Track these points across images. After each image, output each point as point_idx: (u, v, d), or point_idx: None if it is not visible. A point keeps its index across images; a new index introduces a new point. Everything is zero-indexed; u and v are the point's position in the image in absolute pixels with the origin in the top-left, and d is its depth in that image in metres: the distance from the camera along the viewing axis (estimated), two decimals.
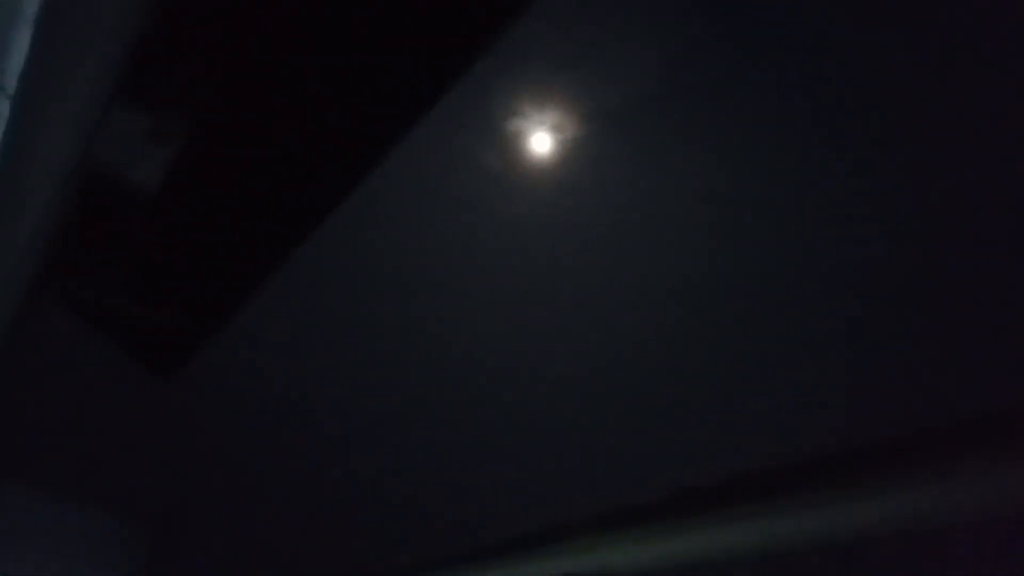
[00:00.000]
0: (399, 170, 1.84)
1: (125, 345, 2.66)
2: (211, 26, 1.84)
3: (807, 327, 1.50)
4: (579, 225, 1.70)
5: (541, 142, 1.62)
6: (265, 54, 1.87)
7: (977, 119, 1.21)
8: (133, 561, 3.21)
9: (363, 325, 2.22)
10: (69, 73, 1.58)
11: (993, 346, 1.32)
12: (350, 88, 1.85)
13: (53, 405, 2.89)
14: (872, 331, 1.42)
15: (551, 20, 1.48)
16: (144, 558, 3.22)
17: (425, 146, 1.77)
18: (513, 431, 2.04)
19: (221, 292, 2.42)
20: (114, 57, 1.63)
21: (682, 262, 1.61)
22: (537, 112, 1.58)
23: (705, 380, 1.66)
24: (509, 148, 1.67)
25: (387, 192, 1.88)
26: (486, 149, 1.69)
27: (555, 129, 1.59)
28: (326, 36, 1.78)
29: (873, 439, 1.49)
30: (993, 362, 1.33)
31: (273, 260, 2.24)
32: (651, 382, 1.74)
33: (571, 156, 1.60)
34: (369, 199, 1.92)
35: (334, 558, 2.80)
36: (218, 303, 2.44)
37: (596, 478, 1.93)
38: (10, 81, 1.46)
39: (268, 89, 1.95)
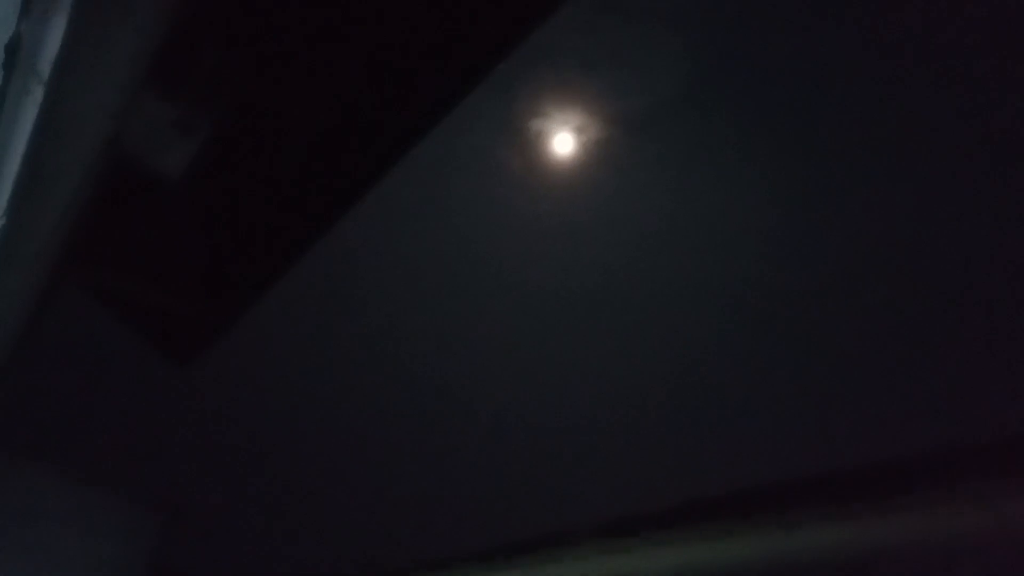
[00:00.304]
0: (421, 165, 1.85)
1: (143, 331, 2.69)
2: (239, 20, 1.86)
3: (822, 342, 1.50)
4: (597, 228, 1.70)
5: (564, 143, 1.63)
6: (290, 49, 1.88)
7: (1000, 144, 1.21)
8: (141, 545, 3.24)
9: (380, 319, 2.23)
10: (101, 62, 1.60)
11: (1006, 369, 1.32)
12: (375, 82, 1.87)
13: (69, 388, 2.93)
14: (887, 351, 1.42)
15: (578, 22, 1.49)
16: (152, 543, 3.25)
17: (447, 143, 1.78)
18: (525, 435, 2.05)
19: (241, 281, 2.44)
20: (145, 47, 1.66)
21: (699, 271, 1.62)
22: (560, 113, 1.60)
23: (719, 391, 1.66)
24: (531, 148, 1.68)
25: (408, 186, 1.90)
26: (508, 148, 1.70)
27: (578, 131, 1.60)
28: (351, 31, 1.79)
29: (881, 458, 1.49)
30: (1005, 385, 1.33)
31: (292, 252, 2.26)
32: (665, 390, 1.75)
33: (593, 158, 1.61)
34: (390, 194, 1.93)
35: (340, 551, 2.82)
36: (237, 292, 2.46)
37: (606, 486, 1.94)
38: (44, 68, 1.49)
39: (292, 83, 1.97)
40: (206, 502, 3.20)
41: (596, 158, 1.60)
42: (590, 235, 1.71)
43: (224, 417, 2.83)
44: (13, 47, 1.48)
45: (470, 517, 2.30)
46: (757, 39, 1.36)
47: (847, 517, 1.55)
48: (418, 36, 1.73)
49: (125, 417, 2.97)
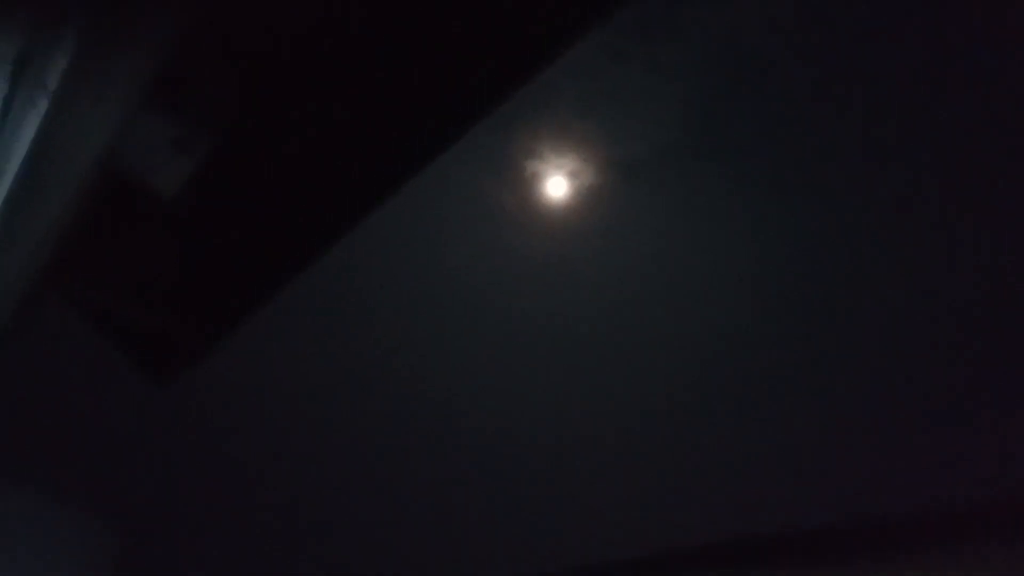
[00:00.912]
0: (416, 198, 1.87)
1: (124, 349, 2.67)
2: (243, 46, 1.89)
3: (813, 392, 1.51)
4: (586, 270, 1.73)
5: (557, 186, 1.66)
6: (291, 81, 1.91)
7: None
8: (104, 563, 3.18)
9: (365, 352, 2.23)
10: (107, 78, 1.62)
11: (999, 432, 1.33)
12: (374, 114, 1.90)
13: (45, 402, 2.89)
14: (880, 406, 1.43)
15: (578, 70, 1.53)
16: (119, 562, 3.19)
17: (444, 178, 1.81)
18: (508, 474, 2.04)
19: (225, 304, 2.44)
20: (150, 67, 1.68)
21: (687, 316, 1.64)
22: (556, 156, 1.63)
23: (707, 438, 1.67)
24: (525, 189, 1.71)
25: (403, 218, 1.92)
26: (503, 187, 1.73)
27: (572, 175, 1.63)
28: (354, 67, 1.82)
29: (859, 518, 1.49)
30: (997, 448, 1.34)
31: (281, 278, 2.27)
32: (652, 434, 1.76)
33: (585, 202, 1.64)
34: (384, 224, 1.95)
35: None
36: (221, 314, 2.46)
37: (588, 531, 1.93)
38: (52, 80, 1.51)
39: (291, 114, 1.99)
40: (176, 522, 3.15)
41: (588, 201, 1.64)
42: (579, 276, 1.73)
43: (200, 438, 2.80)
44: (23, 59, 1.50)
45: (446, 558, 2.28)
46: (751, 91, 1.41)
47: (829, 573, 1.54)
48: (419, 72, 1.76)
49: (99, 433, 2.93)
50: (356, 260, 2.09)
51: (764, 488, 1.63)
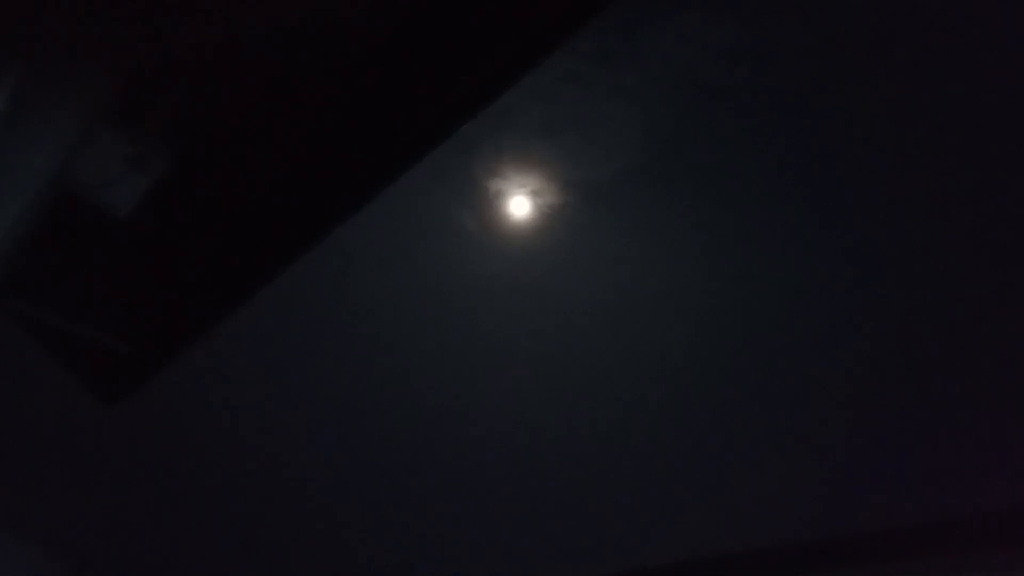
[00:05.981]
0: (374, 219, 1.87)
1: (72, 368, 2.60)
2: (199, 70, 1.88)
3: (790, 412, 1.53)
4: (551, 291, 1.74)
5: (520, 205, 1.68)
6: (250, 99, 1.90)
7: (975, 203, 1.28)
8: None
9: (325, 375, 2.21)
10: (59, 92, 1.60)
11: (989, 443, 1.35)
12: (335, 133, 1.90)
13: None
14: (862, 420, 1.45)
15: (540, 93, 1.55)
16: None
17: (402, 198, 1.81)
18: (481, 500, 2.03)
19: (179, 324, 2.40)
20: (106, 82, 1.66)
21: (644, 336, 1.66)
22: (518, 175, 1.65)
23: (680, 460, 1.68)
24: (487, 208, 1.72)
25: (363, 237, 1.91)
26: (465, 206, 1.74)
27: (534, 194, 1.65)
28: (315, 88, 1.82)
29: (854, 532, 1.51)
30: (989, 459, 1.36)
31: (235, 299, 2.24)
32: (619, 458, 1.76)
33: (548, 222, 1.66)
34: (343, 244, 1.95)
35: None
36: (175, 335, 2.41)
37: (567, 551, 1.93)
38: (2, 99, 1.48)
39: (250, 130, 1.98)
40: (123, 555, 3.06)
41: (551, 222, 1.65)
42: (541, 297, 1.74)
43: (148, 463, 2.74)
44: None
45: None
46: (709, 117, 1.44)
47: None
48: (383, 91, 1.77)
49: (43, 458, 2.84)
50: (314, 281, 2.07)
51: (725, 512, 1.65)
